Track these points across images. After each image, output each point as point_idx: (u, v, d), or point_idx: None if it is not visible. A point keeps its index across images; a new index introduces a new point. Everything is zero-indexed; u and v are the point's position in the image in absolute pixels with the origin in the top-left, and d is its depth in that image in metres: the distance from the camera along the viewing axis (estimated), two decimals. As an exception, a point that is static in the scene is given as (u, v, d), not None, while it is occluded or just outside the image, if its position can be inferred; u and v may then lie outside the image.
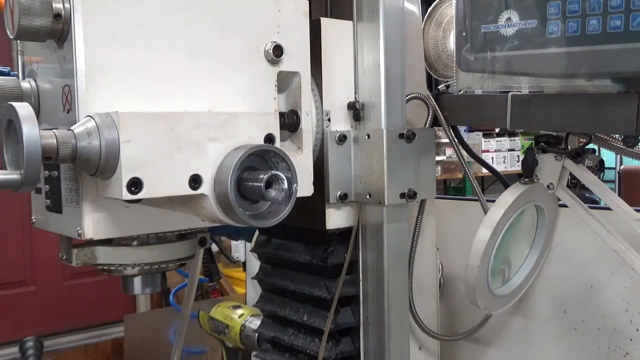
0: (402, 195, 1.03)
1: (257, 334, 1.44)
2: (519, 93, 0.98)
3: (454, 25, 0.99)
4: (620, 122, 0.86)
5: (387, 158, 1.01)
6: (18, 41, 0.94)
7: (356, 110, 1.05)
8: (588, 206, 1.06)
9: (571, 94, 0.91)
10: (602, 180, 1.05)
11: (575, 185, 1.07)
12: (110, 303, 3.91)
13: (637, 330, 1.15)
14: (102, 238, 0.84)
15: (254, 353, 1.30)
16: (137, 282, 0.97)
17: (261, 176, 0.79)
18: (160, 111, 0.80)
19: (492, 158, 5.70)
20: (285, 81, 0.96)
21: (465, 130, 5.19)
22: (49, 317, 3.81)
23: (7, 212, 3.58)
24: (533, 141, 1.09)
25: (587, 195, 1.17)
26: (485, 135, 5.72)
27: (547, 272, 1.24)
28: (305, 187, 0.95)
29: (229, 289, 3.82)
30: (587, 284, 1.20)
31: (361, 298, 1.08)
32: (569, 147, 1.05)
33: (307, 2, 0.96)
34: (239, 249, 3.66)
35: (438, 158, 5.05)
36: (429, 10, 1.20)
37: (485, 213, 1.10)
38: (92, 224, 0.82)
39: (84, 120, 0.76)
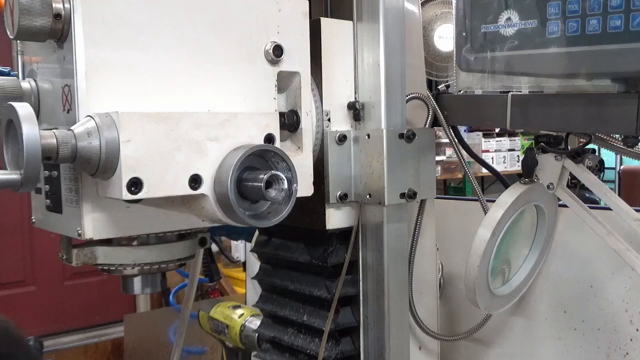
0: (402, 195, 1.03)
1: (257, 334, 1.44)
2: (519, 93, 0.98)
3: (454, 25, 0.99)
4: (620, 122, 0.86)
5: (387, 158, 1.01)
6: (18, 41, 0.94)
7: (356, 110, 1.05)
8: (588, 206, 1.06)
9: (571, 94, 0.91)
10: (602, 180, 1.05)
11: (575, 185, 1.07)
12: (110, 303, 3.91)
13: (637, 330, 1.15)
14: (102, 238, 0.84)
15: (254, 353, 1.30)
16: (137, 282, 0.97)
17: (261, 176, 0.79)
18: (160, 111, 0.80)
19: (492, 158, 5.70)
20: (285, 81, 0.96)
21: (465, 130, 5.20)
22: (49, 317, 3.81)
23: (7, 212, 3.58)
24: (533, 141, 1.09)
25: (587, 195, 1.17)
26: (485, 135, 5.72)
27: (547, 272, 1.24)
28: (305, 187, 0.95)
29: (229, 289, 3.83)
30: (587, 284, 1.20)
31: (361, 298, 1.08)
32: (569, 147, 1.05)
33: (307, 2, 0.96)
34: (239, 249, 3.66)
35: (438, 158, 5.05)
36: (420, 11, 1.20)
37: (485, 213, 1.10)
38: (92, 224, 0.82)
39: (84, 120, 0.76)
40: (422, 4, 1.26)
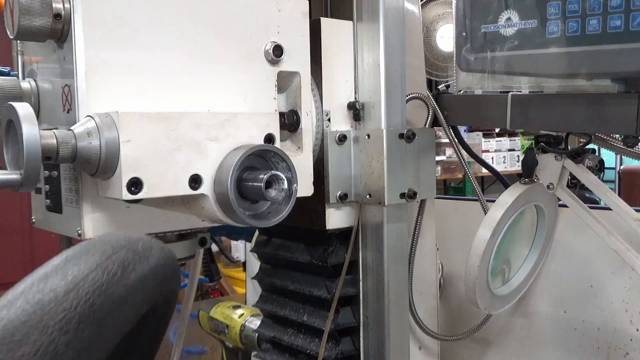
0: (402, 195, 1.03)
1: (257, 334, 1.44)
2: (519, 93, 0.98)
3: (454, 25, 0.99)
4: (620, 122, 0.86)
5: (387, 158, 1.01)
6: (18, 41, 0.94)
7: (356, 110, 1.05)
8: (588, 206, 1.06)
9: (571, 94, 0.91)
10: (602, 180, 1.05)
11: (575, 185, 1.08)
12: (110, 303, 3.90)
13: (637, 330, 1.15)
14: (102, 238, 0.84)
15: (254, 353, 1.30)
16: (137, 282, 0.97)
17: (261, 176, 0.79)
18: (160, 111, 0.80)
19: (492, 158, 5.71)
20: (285, 81, 0.96)
21: (465, 130, 5.20)
22: (49, 317, 3.80)
23: (7, 212, 3.58)
24: (533, 141, 1.09)
25: (587, 195, 1.17)
26: (485, 135, 5.73)
27: (547, 272, 1.24)
28: (305, 187, 0.95)
29: (229, 289, 3.82)
30: (587, 284, 1.20)
31: (361, 298, 1.08)
32: (569, 147, 1.05)
33: (307, 2, 0.96)
34: (239, 249, 3.66)
35: (438, 158, 5.05)
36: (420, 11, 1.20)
37: (485, 213, 1.10)
38: (92, 224, 0.82)
39: (84, 120, 0.76)
40: (424, 4, 1.26)
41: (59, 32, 0.79)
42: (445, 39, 1.28)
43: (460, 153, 1.20)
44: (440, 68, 1.27)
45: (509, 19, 0.91)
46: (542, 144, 1.06)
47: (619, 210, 1.02)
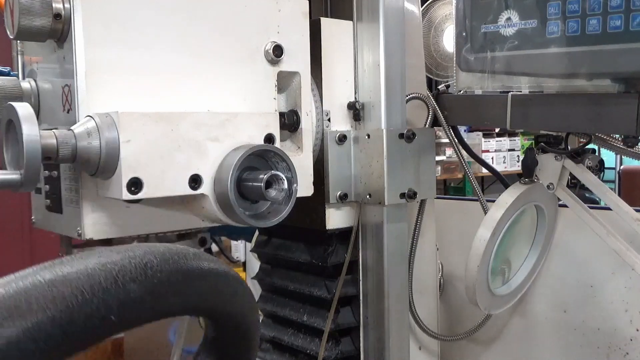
0: (402, 195, 1.03)
1: (257, 334, 1.44)
2: (519, 93, 0.98)
3: (454, 25, 0.99)
4: (620, 122, 0.86)
5: (387, 158, 1.01)
6: (18, 41, 0.94)
7: (356, 110, 1.05)
8: (588, 206, 1.06)
9: (571, 94, 0.91)
10: (602, 180, 1.05)
11: (575, 185, 1.08)
12: (110, 303, 3.90)
13: (637, 330, 1.15)
14: (102, 238, 0.84)
15: (254, 353, 1.30)
16: (137, 282, 0.97)
17: (261, 176, 0.79)
18: (161, 111, 0.80)
19: (492, 158, 5.70)
20: (285, 81, 0.96)
21: (465, 130, 5.20)
22: (49, 317, 3.80)
23: (7, 212, 3.58)
24: (533, 141, 1.09)
25: (587, 195, 1.18)
26: (485, 135, 5.72)
27: (547, 272, 1.24)
28: (305, 187, 0.95)
29: (229, 289, 3.82)
30: (587, 284, 1.20)
31: (361, 298, 1.08)
32: (569, 147, 1.05)
33: (307, 2, 0.96)
34: (239, 249, 3.66)
35: (438, 158, 5.05)
36: (420, 11, 1.20)
37: (485, 213, 1.10)
38: (92, 224, 0.82)
39: (84, 120, 0.76)
40: (432, 4, 1.26)
41: (59, 32, 0.79)
42: (451, 39, 1.28)
43: (460, 153, 1.20)
44: (446, 69, 1.27)
45: (509, 19, 0.91)
46: (542, 144, 1.06)
47: (619, 210, 1.02)
